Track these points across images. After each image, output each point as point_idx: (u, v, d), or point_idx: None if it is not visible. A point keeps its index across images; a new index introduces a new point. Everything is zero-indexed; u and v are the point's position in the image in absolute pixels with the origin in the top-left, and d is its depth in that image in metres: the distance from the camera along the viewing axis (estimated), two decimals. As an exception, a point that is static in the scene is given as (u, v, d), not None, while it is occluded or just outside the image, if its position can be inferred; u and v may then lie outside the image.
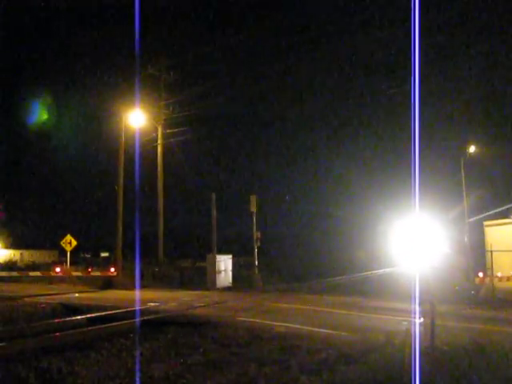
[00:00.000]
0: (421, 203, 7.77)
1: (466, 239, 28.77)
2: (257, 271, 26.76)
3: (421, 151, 7.81)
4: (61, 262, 35.10)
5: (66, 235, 29.42)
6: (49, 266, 34.93)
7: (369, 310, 15.88)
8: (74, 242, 29.11)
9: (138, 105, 28.81)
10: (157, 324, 11.41)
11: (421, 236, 8.70)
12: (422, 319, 9.09)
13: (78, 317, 13.11)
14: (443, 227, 12.30)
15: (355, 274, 26.89)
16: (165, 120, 33.40)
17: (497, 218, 23.56)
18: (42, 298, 19.78)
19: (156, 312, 14.30)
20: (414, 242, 8.77)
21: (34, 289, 24.26)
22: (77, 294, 22.59)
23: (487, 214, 25.41)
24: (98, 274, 29.28)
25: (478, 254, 24.85)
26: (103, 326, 11.30)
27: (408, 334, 8.77)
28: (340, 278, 26.43)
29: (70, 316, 13.48)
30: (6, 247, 53.02)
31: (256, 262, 26.72)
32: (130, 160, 28.34)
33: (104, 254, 52.28)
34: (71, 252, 29.63)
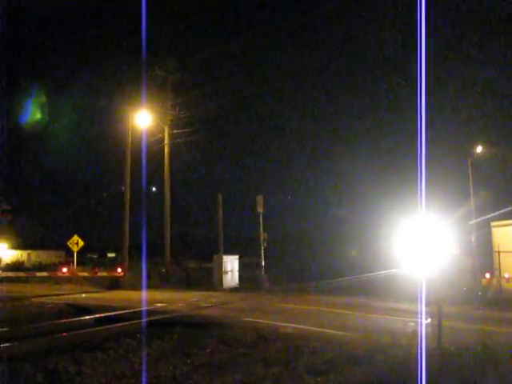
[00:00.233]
0: (427, 203, 7.74)
1: (473, 240, 28.60)
2: (263, 272, 26.75)
3: (427, 150, 7.78)
4: (68, 263, 35.09)
5: (72, 236, 29.55)
6: (56, 267, 34.89)
7: (375, 311, 15.85)
8: (81, 243, 29.23)
9: (144, 105, 28.94)
10: (164, 324, 11.43)
11: (427, 236, 8.66)
12: (428, 320, 9.06)
13: (85, 317, 13.19)
14: (450, 228, 12.24)
15: (360, 274, 26.79)
16: (171, 120, 33.42)
17: (504, 219, 23.40)
18: (48, 298, 19.89)
19: (163, 312, 14.33)
20: (420, 243, 8.74)
21: (41, 289, 24.35)
22: (83, 295, 22.66)
23: (494, 214, 25.23)
24: (104, 274, 29.27)
25: (485, 254, 24.69)
26: (110, 326, 11.36)
27: (415, 334, 8.75)
28: (345, 278, 26.36)
29: (76, 316, 13.55)
30: (14, 248, 53.15)
31: (263, 263, 26.71)
32: (136, 161, 28.48)
33: (111, 255, 52.34)
34: (78, 252, 29.74)
